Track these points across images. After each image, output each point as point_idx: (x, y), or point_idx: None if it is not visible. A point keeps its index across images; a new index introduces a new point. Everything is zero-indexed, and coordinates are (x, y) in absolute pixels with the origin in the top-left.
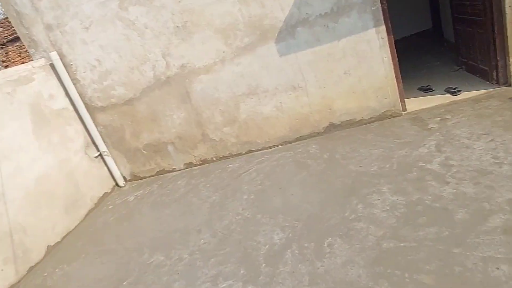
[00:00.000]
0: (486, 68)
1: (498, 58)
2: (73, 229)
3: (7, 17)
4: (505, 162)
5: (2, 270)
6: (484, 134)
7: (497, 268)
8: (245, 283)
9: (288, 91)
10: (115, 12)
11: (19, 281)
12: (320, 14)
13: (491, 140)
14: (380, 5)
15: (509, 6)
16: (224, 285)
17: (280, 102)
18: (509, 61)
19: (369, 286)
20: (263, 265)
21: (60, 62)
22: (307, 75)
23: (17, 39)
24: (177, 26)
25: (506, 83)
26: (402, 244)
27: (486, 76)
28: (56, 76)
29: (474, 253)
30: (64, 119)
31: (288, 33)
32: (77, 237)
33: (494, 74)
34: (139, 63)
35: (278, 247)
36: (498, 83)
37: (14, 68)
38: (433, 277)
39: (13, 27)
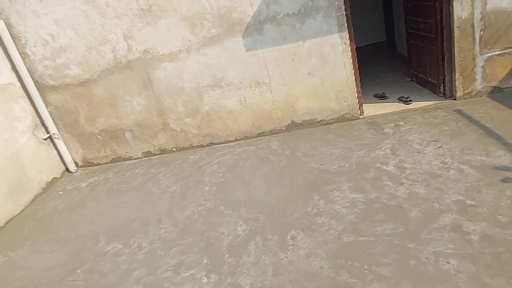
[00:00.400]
0: (435, 81)
1: (446, 73)
2: (17, 214)
3: None
4: (452, 167)
5: None
6: (433, 141)
7: (447, 262)
8: (209, 272)
9: (253, 87)
10: None
11: None
12: (288, 13)
13: (440, 147)
14: (344, 11)
15: (457, 27)
16: (187, 274)
17: (244, 97)
18: (455, 76)
19: (331, 277)
20: (227, 255)
21: (7, 33)
22: (272, 72)
23: None
24: (142, 9)
25: (451, 97)
26: (361, 238)
27: (434, 89)
28: (1, 47)
29: (427, 248)
30: (10, 95)
31: (255, 29)
32: (23, 223)
33: (442, 87)
34: (98, 43)
35: (241, 238)
36: (444, 96)
37: None
38: (390, 269)
39: None
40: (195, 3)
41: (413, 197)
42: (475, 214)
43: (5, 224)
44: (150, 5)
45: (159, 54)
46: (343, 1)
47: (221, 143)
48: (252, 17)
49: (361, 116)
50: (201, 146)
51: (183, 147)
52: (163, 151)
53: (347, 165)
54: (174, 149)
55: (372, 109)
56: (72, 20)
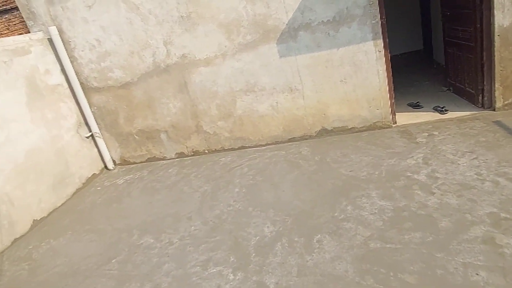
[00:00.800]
0: (473, 91)
1: (485, 83)
2: (59, 206)
3: None
4: (487, 179)
5: None
6: (468, 152)
7: (477, 274)
8: (235, 269)
9: (285, 92)
10: None
11: (2, 252)
12: (323, 21)
13: (475, 158)
14: (379, 19)
15: (498, 35)
16: (214, 270)
17: (276, 102)
18: (494, 86)
19: (355, 281)
20: (253, 254)
21: (59, 38)
22: (305, 78)
23: (6, 11)
24: (182, 16)
25: (490, 107)
26: (388, 245)
27: (472, 99)
28: (53, 51)
29: (456, 258)
30: (59, 96)
31: (290, 36)
32: (64, 214)
33: (480, 98)
34: (140, 48)
35: (268, 239)
36: (483, 106)
37: (11, 37)
38: (416, 277)
39: None
40: (233, 11)
41: (444, 207)
42: (509, 227)
43: (48, 215)
44: (189, 12)
45: (196, 59)
46: (378, 9)
47: (252, 147)
48: (287, 24)
49: (393, 125)
50: (233, 149)
51: (215, 150)
52: (195, 153)
53: (376, 172)
54: (206, 151)
55: (405, 118)
56: (117, 27)
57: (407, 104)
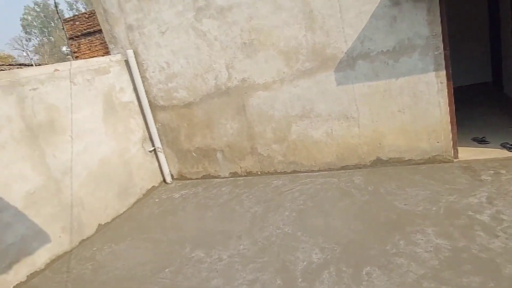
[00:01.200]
0: None
1: None
2: (122, 213)
3: (84, 13)
4: None
5: (60, 237)
6: None
7: None
8: None
9: (340, 120)
10: (190, 22)
11: (71, 250)
12: (382, 50)
13: None
14: (443, 50)
15: None
16: None
17: (331, 129)
18: None
19: None
20: (300, 279)
21: (134, 60)
22: (361, 107)
23: (90, 33)
24: (244, 43)
25: None
26: (443, 287)
27: None
28: (128, 71)
29: None
30: (129, 112)
31: (348, 64)
32: (125, 221)
33: None
34: (204, 71)
35: (316, 266)
36: None
37: (95, 59)
38: None
39: (87, 22)
40: (293, 39)
41: (509, 252)
42: None
43: (112, 220)
44: (252, 39)
45: (255, 83)
46: (441, 40)
47: (304, 172)
48: (345, 53)
49: (455, 160)
50: (285, 172)
51: (268, 172)
52: (248, 173)
53: (434, 208)
54: (259, 173)
55: (469, 153)
56: (185, 51)
57: (472, 139)
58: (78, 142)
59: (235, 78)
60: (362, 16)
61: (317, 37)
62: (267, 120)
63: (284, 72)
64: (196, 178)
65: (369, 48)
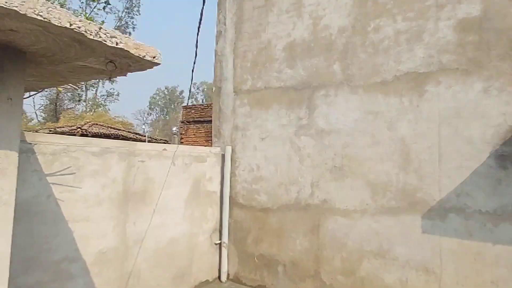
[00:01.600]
0: None
1: None
2: None
3: (201, 104)
4: None
5: None
6: None
7: None
8: None
9: (419, 271)
10: (289, 136)
11: None
12: (480, 210)
13: None
14: None
15: None
16: None
17: (406, 278)
18: None
19: None
20: None
21: (230, 156)
22: (446, 264)
23: (199, 122)
24: (335, 166)
25: None
26: None
27: None
28: (221, 164)
29: None
30: (210, 201)
31: (438, 214)
32: None
33: None
34: (289, 182)
35: None
36: None
37: (198, 148)
38: None
39: (201, 112)
40: (384, 174)
41: None
42: None
43: None
44: (343, 165)
45: (335, 207)
46: None
47: None
48: (437, 202)
49: None
50: None
51: None
52: None
53: None
54: None
55: None
56: (277, 159)
57: None
58: (158, 216)
59: (317, 196)
60: (463, 170)
61: (410, 178)
62: (339, 247)
63: (367, 204)
64: (251, 286)
65: (465, 204)
